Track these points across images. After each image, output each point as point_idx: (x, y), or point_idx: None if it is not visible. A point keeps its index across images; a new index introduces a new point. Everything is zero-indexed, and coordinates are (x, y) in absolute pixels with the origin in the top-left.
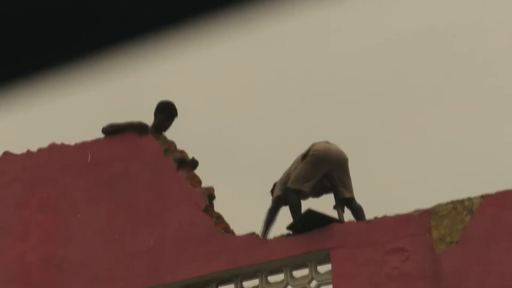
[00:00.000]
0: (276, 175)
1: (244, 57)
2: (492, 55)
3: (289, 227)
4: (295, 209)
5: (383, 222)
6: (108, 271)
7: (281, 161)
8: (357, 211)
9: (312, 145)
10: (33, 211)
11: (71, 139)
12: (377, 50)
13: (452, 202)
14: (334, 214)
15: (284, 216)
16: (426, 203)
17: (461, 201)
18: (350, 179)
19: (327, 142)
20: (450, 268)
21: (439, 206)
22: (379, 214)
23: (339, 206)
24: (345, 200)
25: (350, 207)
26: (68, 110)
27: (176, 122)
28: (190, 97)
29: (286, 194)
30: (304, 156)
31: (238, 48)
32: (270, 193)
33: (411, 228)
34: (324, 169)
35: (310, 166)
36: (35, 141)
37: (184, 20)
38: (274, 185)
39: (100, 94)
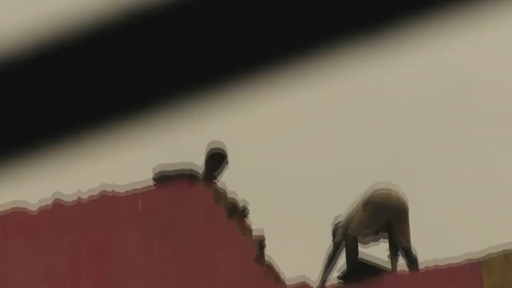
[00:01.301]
0: (329, 218)
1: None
2: None
3: (340, 277)
4: (351, 256)
5: (433, 273)
6: None
7: (334, 205)
8: (412, 262)
9: (374, 191)
10: (84, 259)
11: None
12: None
13: (504, 253)
14: (386, 262)
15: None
16: (477, 246)
17: None
18: (409, 227)
19: (388, 189)
20: None
21: (490, 255)
22: (430, 257)
23: (393, 255)
24: (401, 249)
25: (406, 257)
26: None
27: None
28: (240, 142)
29: (347, 241)
30: (365, 203)
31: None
32: (332, 237)
33: (462, 279)
34: (384, 217)
35: (370, 214)
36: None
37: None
38: (336, 229)
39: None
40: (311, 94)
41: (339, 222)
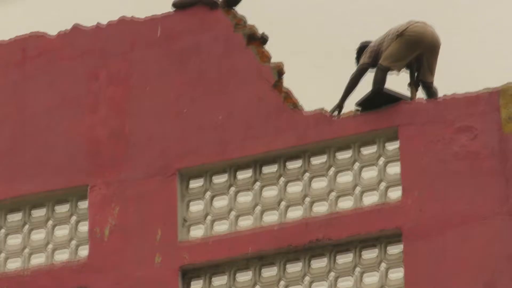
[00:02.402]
0: (346, 51)
1: None
2: None
3: (358, 104)
4: (379, 85)
5: (452, 100)
6: (176, 145)
7: (352, 38)
8: (432, 95)
9: (410, 24)
10: (102, 84)
11: (141, 13)
12: None
13: None
14: (404, 90)
15: (357, 94)
16: (496, 82)
17: None
18: (436, 63)
19: (424, 23)
20: None
21: (508, 85)
22: (449, 92)
23: (414, 85)
24: (424, 83)
25: (427, 90)
26: None
27: None
28: None
29: (374, 65)
30: (400, 34)
31: None
32: (355, 60)
33: (480, 107)
34: (417, 51)
35: (405, 46)
36: (106, 14)
37: None
38: (359, 50)
39: None
40: None
41: (366, 44)
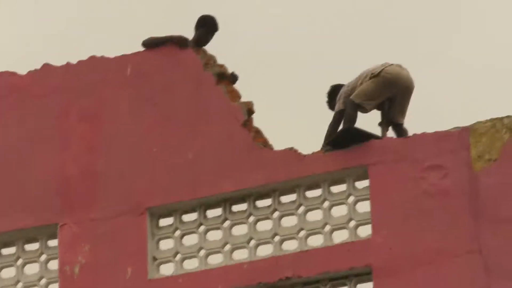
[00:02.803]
0: (317, 89)
1: None
2: None
3: (327, 143)
4: (350, 122)
5: (422, 138)
6: (146, 183)
7: (322, 75)
8: (402, 135)
9: (385, 66)
10: (73, 122)
11: (111, 52)
12: None
13: (491, 120)
14: (373, 129)
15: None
16: (465, 121)
17: (500, 119)
18: (408, 105)
19: (399, 66)
20: (487, 185)
21: (478, 123)
22: (418, 130)
23: (385, 124)
24: (395, 124)
25: (397, 131)
26: (108, 22)
27: (216, 36)
28: (231, 9)
29: (347, 104)
30: (375, 74)
31: None
32: (327, 104)
33: (450, 145)
34: (391, 93)
35: (379, 86)
36: (75, 54)
37: None
38: (330, 93)
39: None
40: None
41: (337, 86)
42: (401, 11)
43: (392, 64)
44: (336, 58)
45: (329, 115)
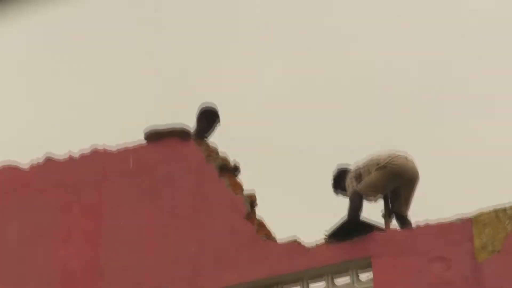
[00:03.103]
0: (321, 180)
1: (285, 56)
2: None
3: (330, 235)
4: (355, 213)
5: (425, 230)
6: (150, 276)
7: (326, 166)
8: (406, 226)
9: (391, 156)
10: (75, 216)
11: (113, 141)
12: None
13: (495, 211)
14: (377, 218)
15: (329, 222)
16: (468, 210)
17: (503, 210)
18: (413, 196)
19: (406, 158)
20: (491, 277)
21: (480, 214)
22: (421, 219)
23: (389, 215)
24: (399, 215)
25: (400, 222)
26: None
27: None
28: (234, 100)
29: (352, 193)
30: (381, 166)
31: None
32: (332, 186)
33: (453, 236)
34: (396, 184)
35: (385, 178)
36: (77, 143)
37: None
38: (337, 176)
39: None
40: (309, 58)
41: (343, 169)
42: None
43: (398, 155)
44: (340, 144)
45: (335, 203)
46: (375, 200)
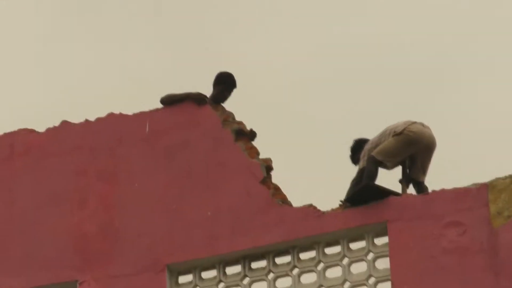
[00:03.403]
0: (337, 146)
1: (305, 23)
2: None
3: (346, 200)
4: (370, 178)
5: (440, 195)
6: (165, 240)
7: (341, 133)
8: (423, 192)
9: (407, 124)
10: (91, 180)
11: (129, 109)
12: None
13: (510, 176)
14: (392, 185)
15: (344, 189)
16: (484, 177)
17: None
18: (429, 164)
19: (422, 124)
20: (507, 242)
21: (496, 180)
22: (437, 187)
23: (406, 182)
24: (416, 182)
25: (417, 188)
26: (125, 77)
27: (234, 92)
28: (251, 66)
29: (368, 159)
30: (398, 133)
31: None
32: (350, 158)
33: (469, 202)
34: (413, 151)
35: (401, 144)
36: (93, 110)
37: None
38: (353, 148)
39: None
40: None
41: (360, 141)
42: (420, 65)
43: (415, 122)
44: (358, 114)
45: (350, 170)
46: (391, 167)
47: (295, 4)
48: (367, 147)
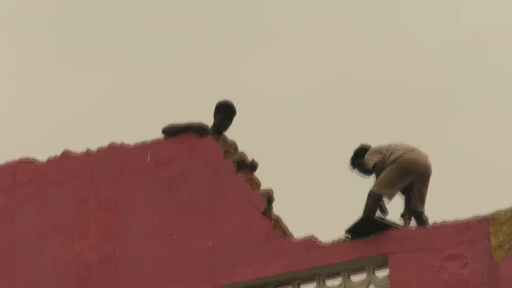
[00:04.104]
0: (335, 181)
1: (305, 54)
2: None
3: (347, 231)
4: (370, 211)
5: (441, 228)
6: (166, 270)
7: (343, 162)
8: (423, 224)
9: (404, 151)
10: (92, 210)
11: (131, 139)
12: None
13: (511, 209)
14: (393, 217)
15: (346, 220)
16: (485, 209)
17: None
18: (427, 192)
19: (418, 151)
20: (508, 275)
21: (498, 212)
22: (438, 220)
23: (407, 214)
24: (415, 212)
25: (417, 219)
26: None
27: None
28: (254, 95)
29: (368, 195)
30: (393, 161)
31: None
32: (350, 160)
33: (470, 234)
34: (409, 179)
35: (396, 174)
36: (95, 140)
37: None
38: (358, 152)
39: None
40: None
41: (365, 147)
42: (421, 96)
43: (413, 150)
44: (357, 140)
45: (352, 202)
46: (391, 199)
47: (294, 35)
48: (370, 151)
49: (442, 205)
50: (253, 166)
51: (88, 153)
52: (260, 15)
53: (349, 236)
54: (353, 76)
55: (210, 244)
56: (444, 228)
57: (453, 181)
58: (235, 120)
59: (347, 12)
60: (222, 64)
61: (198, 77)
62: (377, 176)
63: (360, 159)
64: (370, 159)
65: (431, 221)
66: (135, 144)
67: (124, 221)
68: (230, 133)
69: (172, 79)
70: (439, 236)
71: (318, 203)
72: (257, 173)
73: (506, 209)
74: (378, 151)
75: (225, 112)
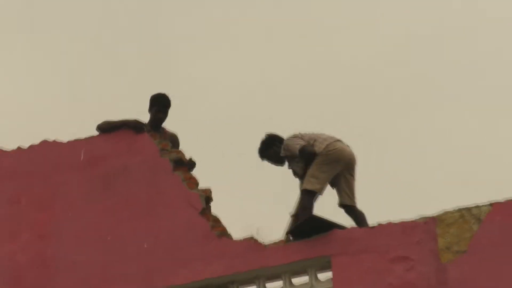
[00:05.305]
0: (278, 174)
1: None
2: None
3: (289, 232)
4: (309, 212)
5: (387, 228)
6: (100, 272)
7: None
8: (359, 217)
9: (329, 141)
10: (24, 209)
11: (64, 137)
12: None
13: (459, 210)
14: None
15: (286, 220)
16: (432, 210)
17: (469, 209)
18: (354, 183)
19: (341, 142)
20: (456, 279)
21: (445, 213)
22: (383, 220)
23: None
24: (346, 206)
25: (350, 214)
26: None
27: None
28: (204, 88)
29: (300, 194)
30: (319, 153)
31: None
32: (258, 152)
33: (416, 236)
34: (338, 169)
35: (323, 165)
36: (27, 139)
37: None
38: (267, 142)
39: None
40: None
41: (272, 136)
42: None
43: (336, 141)
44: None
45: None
46: (322, 190)
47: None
48: (290, 137)
49: (387, 205)
50: (190, 165)
51: (19, 150)
52: (218, 8)
53: (291, 237)
54: (312, 69)
55: (145, 245)
56: (390, 228)
57: (398, 180)
58: (185, 114)
59: (308, 5)
60: (175, 57)
61: (144, 71)
62: (305, 160)
63: (269, 149)
64: (295, 143)
65: (375, 221)
66: (69, 141)
67: (57, 220)
68: (178, 129)
69: (117, 75)
70: (384, 237)
71: (263, 202)
72: (197, 172)
73: (454, 209)
74: (300, 137)
75: (158, 105)
